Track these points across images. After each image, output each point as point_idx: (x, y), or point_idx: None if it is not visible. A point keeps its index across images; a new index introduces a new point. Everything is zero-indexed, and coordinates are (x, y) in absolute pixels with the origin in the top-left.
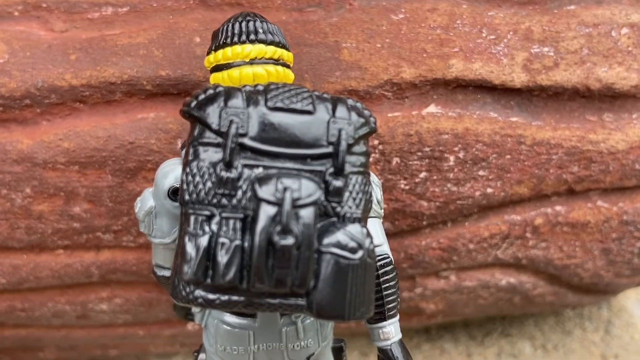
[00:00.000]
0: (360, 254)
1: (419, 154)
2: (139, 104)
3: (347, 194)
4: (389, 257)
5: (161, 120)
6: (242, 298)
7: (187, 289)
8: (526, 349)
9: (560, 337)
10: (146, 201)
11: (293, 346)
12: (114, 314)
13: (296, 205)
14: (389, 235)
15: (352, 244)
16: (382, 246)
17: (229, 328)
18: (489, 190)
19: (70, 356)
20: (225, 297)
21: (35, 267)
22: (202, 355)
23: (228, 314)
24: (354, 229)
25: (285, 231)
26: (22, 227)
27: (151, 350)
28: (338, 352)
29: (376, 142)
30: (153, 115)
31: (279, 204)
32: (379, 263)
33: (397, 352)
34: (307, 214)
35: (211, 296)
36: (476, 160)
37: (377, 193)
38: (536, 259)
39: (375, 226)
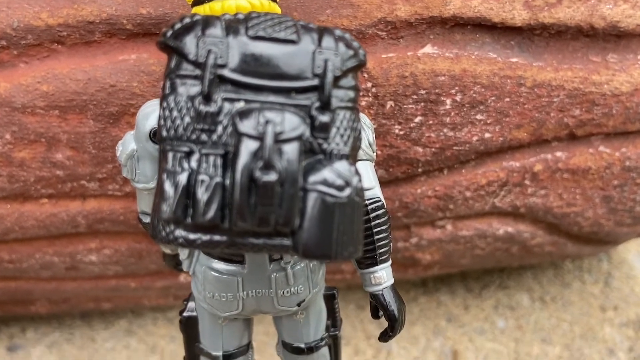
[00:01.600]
0: (347, 191)
1: (414, 97)
2: (120, 45)
3: (334, 130)
4: (380, 201)
5: (143, 62)
6: (224, 238)
7: (167, 229)
8: (524, 301)
9: (558, 290)
10: (127, 144)
11: (283, 292)
12: (103, 265)
13: (279, 140)
14: (383, 183)
15: (339, 182)
16: (374, 189)
17: (217, 274)
18: (487, 135)
19: (62, 309)
20: (206, 237)
21: (20, 217)
22: (191, 304)
23: (216, 260)
24: (341, 166)
25: (268, 167)
26: (4, 175)
27: (144, 303)
28: (330, 299)
29: (369, 84)
30: (135, 57)
31: (260, 138)
32: (370, 206)
33: (388, 297)
34: (290, 149)
35: (192, 236)
36: (474, 104)
37: (368, 135)
38: (535, 207)
39: (367, 169)
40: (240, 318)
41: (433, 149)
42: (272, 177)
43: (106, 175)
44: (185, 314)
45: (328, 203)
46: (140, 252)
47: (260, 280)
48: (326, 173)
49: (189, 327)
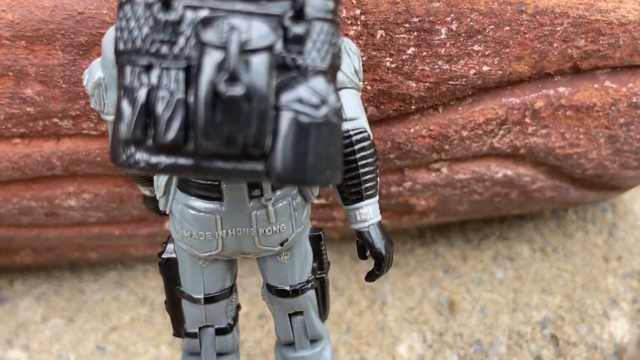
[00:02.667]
0: (324, 110)
1: (407, 25)
2: None
3: (309, 44)
4: (366, 132)
5: None
6: (189, 161)
7: (127, 152)
8: (524, 251)
9: (560, 240)
10: (94, 72)
11: (264, 231)
12: (84, 211)
13: (246, 50)
14: (374, 122)
15: (315, 100)
16: (359, 120)
17: (194, 212)
18: (485, 68)
19: (48, 259)
20: (169, 161)
21: None
22: (169, 246)
23: (193, 197)
24: (318, 83)
25: (233, 79)
26: None
27: (132, 252)
28: (316, 240)
29: (358, 12)
30: None
31: (225, 47)
32: (355, 137)
33: (375, 234)
34: (259, 60)
35: (154, 159)
36: (471, 33)
37: (354, 61)
38: (536, 148)
39: (352, 97)
40: (222, 259)
41: (427, 84)
42: (237, 90)
43: (79, 112)
44: (164, 255)
45: (303, 123)
46: (121, 196)
47: (240, 219)
48: (301, 90)
49: (169, 270)
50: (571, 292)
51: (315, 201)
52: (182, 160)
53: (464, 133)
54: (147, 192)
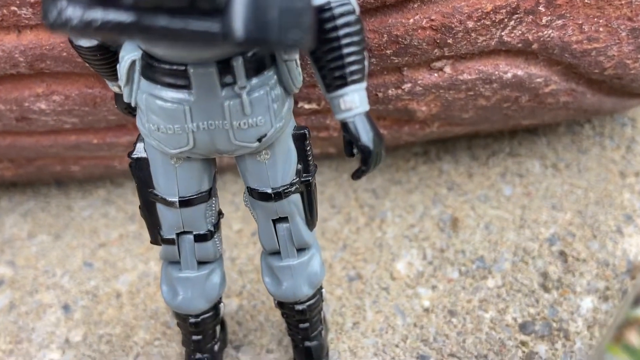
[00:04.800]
0: None
1: None
2: None
3: None
4: (350, 4)
5: None
6: (129, 17)
7: (58, 6)
8: (535, 168)
9: (575, 156)
10: None
11: (239, 124)
12: (57, 116)
13: None
14: (368, 10)
15: None
16: None
17: (160, 102)
18: None
19: (29, 173)
20: (106, 16)
21: None
22: (139, 145)
23: (159, 85)
24: None
25: None
26: None
27: (116, 166)
28: (300, 140)
29: None
30: None
31: None
32: (337, 10)
33: (361, 125)
34: None
35: (88, 15)
36: None
37: None
38: (550, 43)
39: None
40: (197, 159)
41: None
42: None
43: None
44: (134, 155)
45: None
46: (94, 98)
47: (212, 110)
48: None
49: (140, 171)
50: (583, 209)
51: (306, 106)
52: (120, 16)
53: (470, 24)
54: (115, 88)
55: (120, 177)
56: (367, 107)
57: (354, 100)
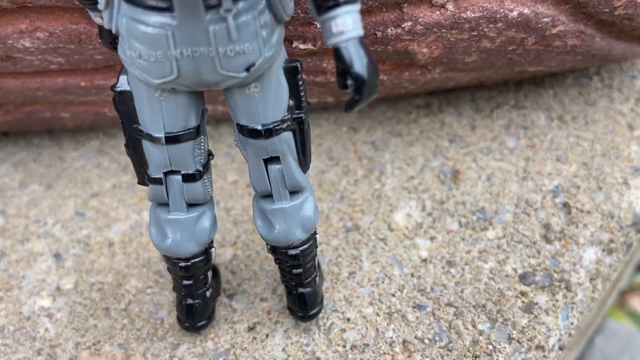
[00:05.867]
0: None
1: None
2: None
3: None
4: None
5: None
6: None
7: None
8: (540, 120)
9: (582, 108)
10: None
11: (225, 51)
12: (42, 55)
13: None
14: None
15: None
16: None
17: (142, 27)
18: None
19: (19, 120)
20: None
21: None
22: (123, 77)
23: (140, 8)
24: None
25: None
26: None
27: (107, 113)
28: (292, 73)
29: None
30: None
31: None
32: None
33: (354, 50)
34: None
35: None
36: None
37: None
38: None
39: None
40: (182, 92)
41: None
42: None
43: None
44: (117, 88)
45: None
46: (79, 35)
47: (196, 35)
48: None
49: (124, 105)
50: (589, 160)
51: (301, 46)
52: None
53: None
54: (98, 19)
55: (113, 127)
56: (361, 32)
57: (346, 23)
